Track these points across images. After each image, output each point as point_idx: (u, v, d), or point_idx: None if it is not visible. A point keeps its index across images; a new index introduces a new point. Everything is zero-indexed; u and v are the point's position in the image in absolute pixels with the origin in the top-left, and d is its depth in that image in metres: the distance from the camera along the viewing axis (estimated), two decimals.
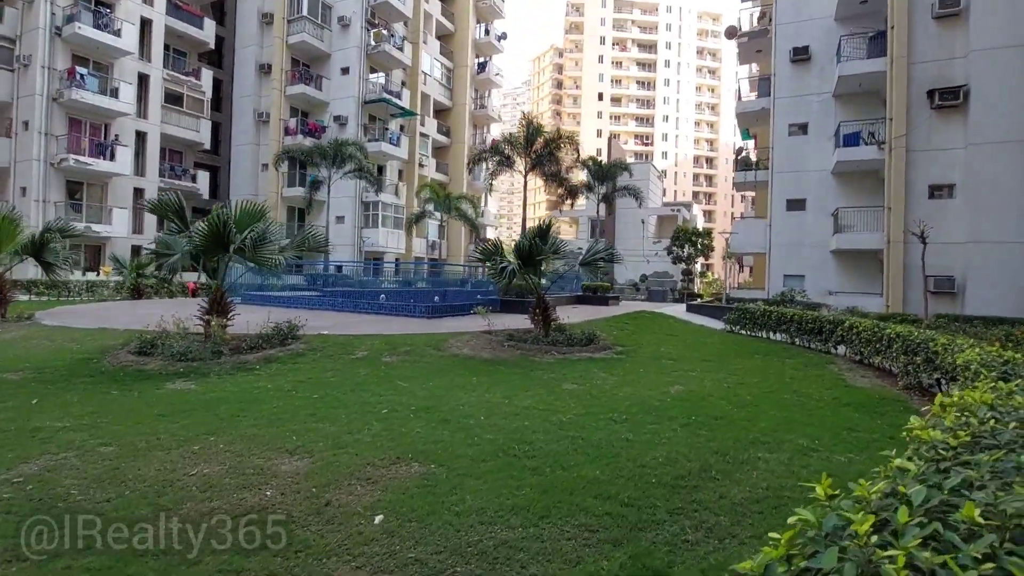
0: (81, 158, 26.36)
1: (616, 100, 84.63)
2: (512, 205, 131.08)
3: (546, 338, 10.51)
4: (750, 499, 3.64)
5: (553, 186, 21.85)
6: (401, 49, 35.04)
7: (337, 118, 33.88)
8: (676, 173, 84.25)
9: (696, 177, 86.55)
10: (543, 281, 12.79)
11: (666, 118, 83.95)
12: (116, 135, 28.32)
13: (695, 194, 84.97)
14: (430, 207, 30.33)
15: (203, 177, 33.76)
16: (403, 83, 36.92)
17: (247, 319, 9.86)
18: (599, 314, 17.76)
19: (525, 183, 21.69)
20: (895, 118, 17.77)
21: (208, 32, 33.36)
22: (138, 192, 30.11)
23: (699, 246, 35.46)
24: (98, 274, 26.28)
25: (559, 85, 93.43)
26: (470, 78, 42.76)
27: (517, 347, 9.84)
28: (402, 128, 37.17)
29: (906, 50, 17.60)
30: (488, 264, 10.84)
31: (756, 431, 5.29)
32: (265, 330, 9.18)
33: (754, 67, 27.20)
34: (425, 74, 39.04)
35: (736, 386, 7.46)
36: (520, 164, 21.00)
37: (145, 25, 29.88)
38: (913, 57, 17.65)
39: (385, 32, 33.81)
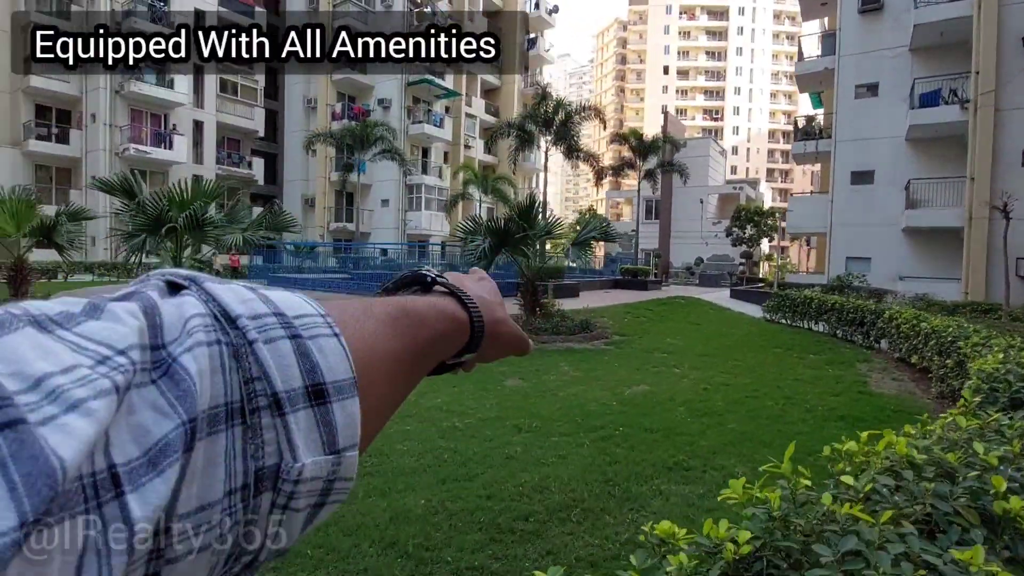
0: (141, 147, 27.96)
1: (683, 73, 79.87)
2: (578, 187, 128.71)
3: (532, 325, 9.59)
4: (588, 558, 2.66)
5: (578, 163, 20.44)
6: None
7: (381, 101, 33.93)
8: (749, 149, 78.75)
9: (771, 153, 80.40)
10: (551, 261, 11.75)
11: (738, 90, 78.26)
12: (174, 124, 29.81)
13: (770, 171, 79.14)
14: (471, 188, 29.74)
15: (258, 164, 35.03)
16: None
17: None
18: (629, 299, 16.54)
19: (545, 160, 20.44)
20: (982, 71, 14.99)
21: (259, 20, 34.24)
22: (196, 179, 31.65)
23: (763, 227, 32.59)
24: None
25: (623, 60, 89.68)
26: (519, 55, 41.47)
27: None
28: (447, 109, 36.69)
29: None
30: (468, 244, 10.00)
31: (689, 451, 4.19)
32: None
33: (824, 23, 24.21)
34: None
35: (717, 388, 6.26)
36: (542, 140, 19.75)
37: (199, 17, 31.07)
38: None
39: (428, 10, 33.26)
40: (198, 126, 31.53)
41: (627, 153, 26.79)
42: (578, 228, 12.25)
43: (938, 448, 1.69)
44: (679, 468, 3.86)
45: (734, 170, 75.67)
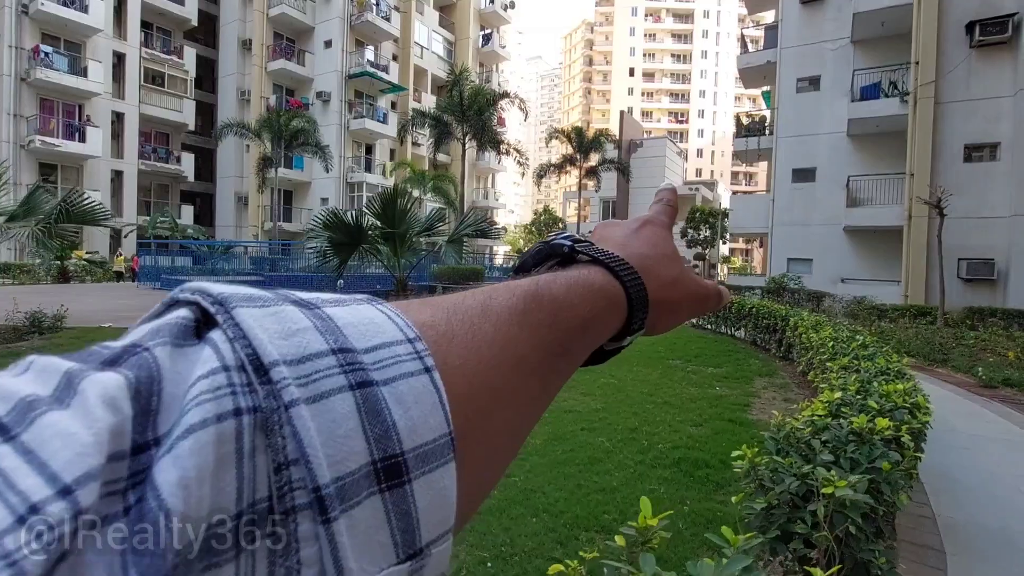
0: (49, 139, 25.68)
1: (649, 75, 79.71)
2: (551, 191, 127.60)
3: None
4: None
5: (491, 152, 19.12)
6: (388, 19, 32.82)
7: (320, 94, 32.20)
8: (714, 152, 78.96)
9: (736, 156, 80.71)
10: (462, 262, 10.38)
11: (703, 93, 78.41)
12: (88, 116, 27.57)
13: (734, 174, 79.51)
14: (410, 187, 28.21)
15: (188, 159, 32.83)
16: (394, 56, 34.82)
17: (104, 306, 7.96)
18: None
19: (464, 150, 18.99)
20: (922, 61, 14.19)
21: (190, 8, 32.19)
22: (117, 174, 29.49)
23: (718, 228, 31.88)
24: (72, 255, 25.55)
25: (590, 62, 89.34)
26: (473, 51, 40.20)
27: None
28: (393, 105, 35.13)
29: None
30: (314, 242, 8.50)
31: None
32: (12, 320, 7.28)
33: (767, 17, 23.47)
34: (421, 47, 36.81)
35: (555, 416, 4.91)
36: (459, 131, 18.33)
37: (120, 2, 28.95)
38: None
39: (370, 1, 31.66)
40: (119, 118, 29.29)
41: (570, 150, 25.63)
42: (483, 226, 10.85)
43: None
44: None
45: (699, 172, 75.68)
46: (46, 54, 25.45)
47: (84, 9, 26.38)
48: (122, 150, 29.55)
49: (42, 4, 24.92)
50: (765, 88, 21.52)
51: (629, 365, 7.49)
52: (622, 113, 38.88)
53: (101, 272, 20.37)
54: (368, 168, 33.48)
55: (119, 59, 29.10)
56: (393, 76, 33.31)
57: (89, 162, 27.74)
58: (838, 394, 2.79)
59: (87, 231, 28.33)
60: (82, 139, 26.89)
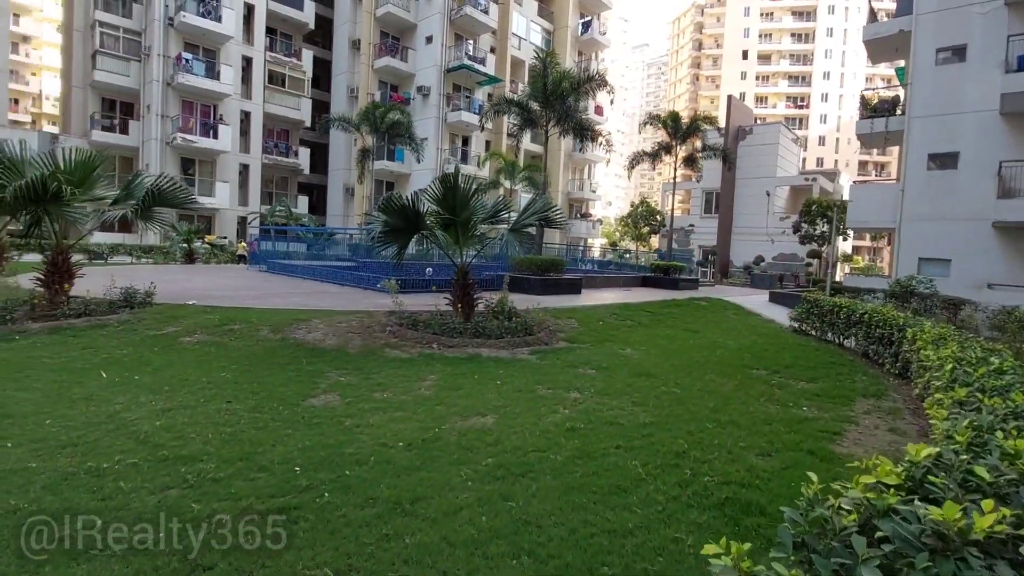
0: (188, 136, 28.90)
1: (764, 58, 73.44)
2: (654, 182, 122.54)
3: (465, 324, 7.96)
4: None
5: (578, 140, 18.05)
6: (487, 12, 32.99)
7: (420, 89, 33.20)
8: (839, 139, 71.15)
9: None
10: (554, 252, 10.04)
11: (827, 75, 70.78)
12: (220, 115, 30.66)
13: (862, 164, 71.19)
14: (503, 177, 28.26)
15: (304, 153, 35.50)
16: (492, 49, 35.01)
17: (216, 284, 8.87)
18: (641, 298, 14.42)
19: (546, 137, 18.18)
20: None
21: (308, 14, 34.60)
22: (244, 168, 32.59)
23: (834, 222, 28.55)
24: (203, 241, 28.61)
25: (699, 46, 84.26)
26: (572, 40, 39.37)
27: (403, 335, 7.49)
28: (490, 96, 35.33)
29: None
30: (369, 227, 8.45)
31: (360, 556, 2.51)
32: (110, 295, 8.12)
33: None
34: (519, 38, 36.67)
35: (595, 428, 4.42)
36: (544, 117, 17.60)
37: (249, 11, 31.77)
38: None
39: None
40: (246, 116, 32.31)
41: (665, 137, 24.01)
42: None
43: None
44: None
45: (819, 162, 68.72)
46: (187, 61, 28.61)
47: (218, 19, 29.27)
48: (249, 145, 32.60)
49: (184, 16, 28.00)
50: (900, 63, 18.67)
51: (701, 372, 6.70)
52: (730, 98, 36.01)
53: (223, 255, 22.54)
54: (464, 159, 34.05)
55: (247, 63, 32.04)
56: (490, 68, 33.49)
57: (221, 156, 30.90)
58: (931, 450, 1.87)
59: (219, 220, 31.77)
60: (215, 136, 29.99)
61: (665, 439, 4.21)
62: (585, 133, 17.20)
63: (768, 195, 35.30)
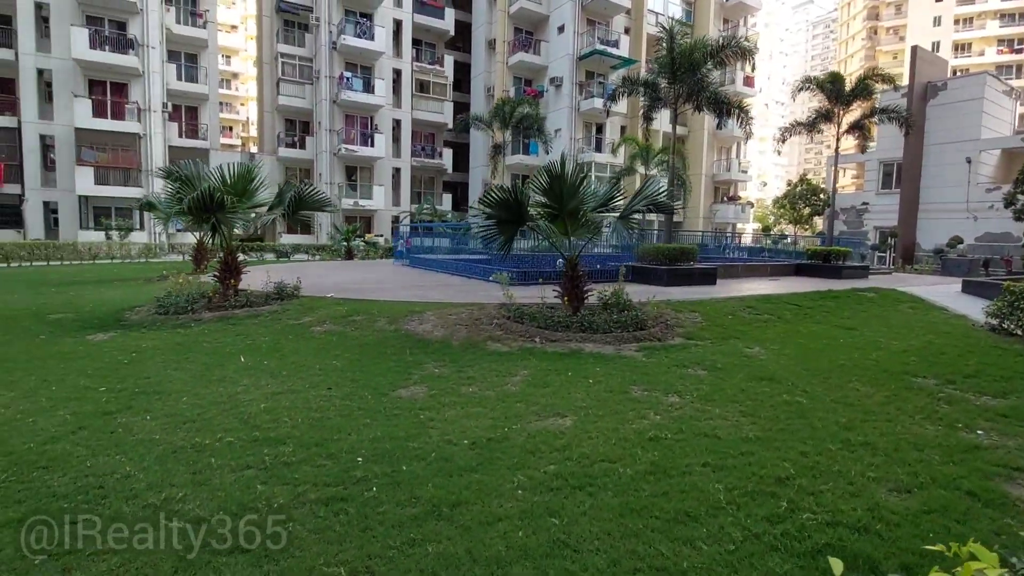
0: (351, 147, 32.37)
1: None
2: (822, 156, 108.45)
3: (571, 318, 7.71)
4: None
5: (717, 116, 15.91)
6: None
7: (553, 80, 33.16)
8: None
9: None
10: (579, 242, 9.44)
11: None
12: (376, 125, 33.82)
13: None
14: (637, 163, 27.11)
15: (447, 154, 37.71)
16: (626, 30, 33.65)
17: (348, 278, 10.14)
18: (791, 288, 12.84)
19: (675, 114, 16.40)
20: None
21: (448, 21, 36.51)
22: (396, 171, 35.64)
23: None
24: (363, 238, 31.86)
25: None
26: (716, 7, 36.24)
27: (509, 328, 7.48)
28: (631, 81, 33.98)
29: None
30: (479, 220, 8.43)
31: None
32: (266, 288, 9.32)
33: None
34: (656, 13, 34.71)
35: (685, 439, 3.90)
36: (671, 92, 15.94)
37: (398, 26, 34.48)
38: None
39: None
40: (397, 124, 35.24)
41: (824, 103, 20.70)
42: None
43: None
44: None
45: None
46: (347, 79, 31.99)
47: (372, 37, 32.22)
48: (400, 151, 35.56)
49: (344, 39, 31.31)
50: None
51: (842, 378, 5.63)
52: (915, 48, 30.04)
53: (375, 252, 24.89)
54: (598, 147, 33.36)
55: (396, 75, 34.87)
56: (624, 50, 32.23)
57: (377, 163, 34.14)
58: None
59: (376, 219, 35.17)
60: (372, 144, 33.18)
61: (768, 460, 3.54)
62: (722, 107, 15.53)
63: (969, 162, 28.93)
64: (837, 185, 30.03)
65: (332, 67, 32.36)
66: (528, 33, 34.99)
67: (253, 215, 9.83)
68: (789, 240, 29.99)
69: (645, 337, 7.36)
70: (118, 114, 28.41)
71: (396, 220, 35.32)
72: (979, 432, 4.22)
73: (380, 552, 2.51)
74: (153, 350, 6.62)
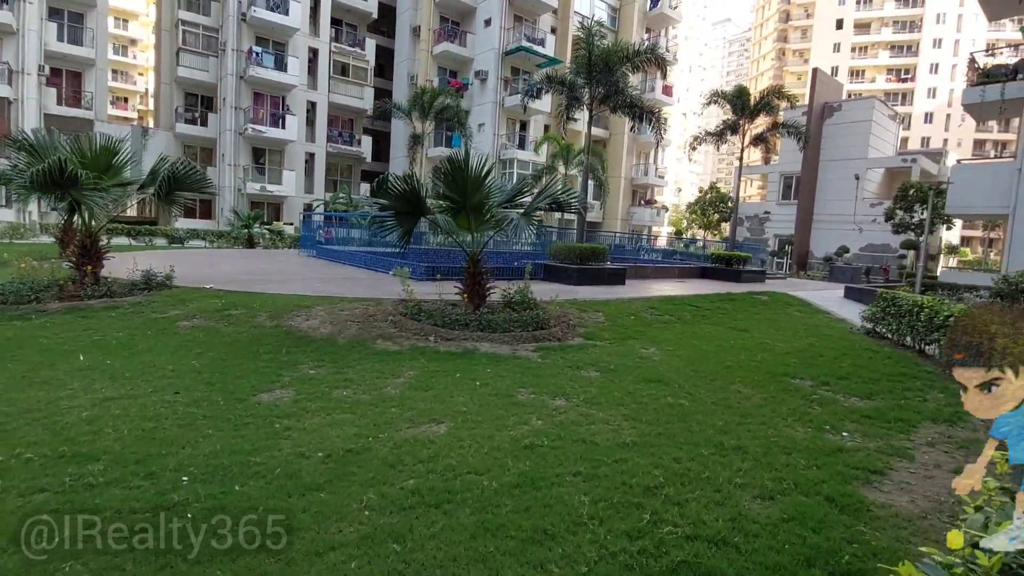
0: (258, 127, 30.20)
1: (862, 27, 66.51)
2: (732, 167, 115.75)
3: (470, 316, 7.39)
4: None
5: (632, 120, 16.51)
6: None
7: (478, 73, 32.74)
8: (950, 116, 63.40)
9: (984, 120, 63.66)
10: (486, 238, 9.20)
11: (938, 43, 63.00)
12: (288, 106, 31.80)
13: (979, 143, 63.12)
14: (558, 162, 27.35)
15: (367, 142, 36.21)
16: (552, 29, 33.87)
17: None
18: (691, 291, 13.26)
19: (591, 116, 16.88)
20: None
21: (371, 3, 35.03)
22: (310, 156, 33.74)
23: (929, 207, 25.26)
24: (269, 226, 29.87)
25: (786, 17, 77.92)
26: (639, 16, 37.37)
27: (403, 326, 7.04)
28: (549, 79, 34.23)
29: None
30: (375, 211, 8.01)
31: None
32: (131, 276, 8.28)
33: None
34: (581, 16, 35.20)
35: (561, 444, 3.69)
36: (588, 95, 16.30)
37: (315, 2, 32.58)
38: None
39: None
40: (312, 106, 33.32)
41: (731, 116, 21.96)
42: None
43: None
44: None
45: (925, 142, 61.61)
46: (257, 54, 29.78)
47: (286, 12, 30.21)
48: (315, 135, 33.68)
49: (255, 11, 29.10)
50: (1015, 15, 15.79)
51: (727, 380, 5.73)
52: (815, 71, 32.67)
53: (281, 241, 23.34)
54: (521, 145, 33.37)
55: (313, 54, 32.95)
56: (550, 49, 32.40)
57: (288, 146, 32.10)
58: None
59: (286, 207, 33.16)
60: (283, 126, 31.16)
61: (641, 467, 3.41)
62: (637, 112, 15.90)
63: (857, 179, 31.85)
64: (744, 195, 31.97)
65: (240, 40, 30.03)
66: (455, 23, 34.32)
67: (120, 194, 8.69)
68: (700, 244, 31.57)
69: (545, 337, 7.22)
70: None
71: (309, 208, 33.48)
72: (844, 434, 4.38)
73: None
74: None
